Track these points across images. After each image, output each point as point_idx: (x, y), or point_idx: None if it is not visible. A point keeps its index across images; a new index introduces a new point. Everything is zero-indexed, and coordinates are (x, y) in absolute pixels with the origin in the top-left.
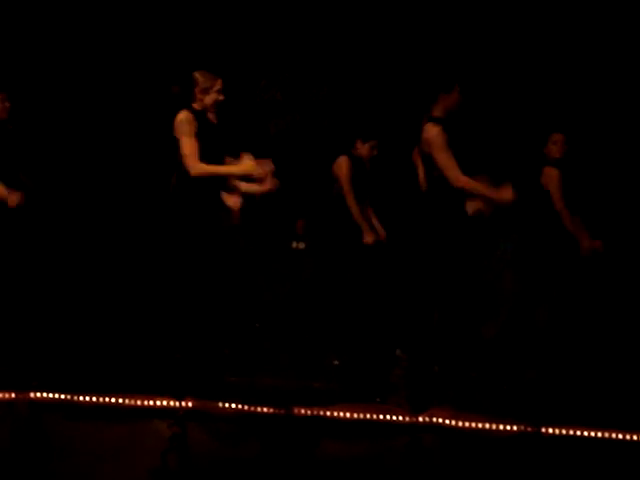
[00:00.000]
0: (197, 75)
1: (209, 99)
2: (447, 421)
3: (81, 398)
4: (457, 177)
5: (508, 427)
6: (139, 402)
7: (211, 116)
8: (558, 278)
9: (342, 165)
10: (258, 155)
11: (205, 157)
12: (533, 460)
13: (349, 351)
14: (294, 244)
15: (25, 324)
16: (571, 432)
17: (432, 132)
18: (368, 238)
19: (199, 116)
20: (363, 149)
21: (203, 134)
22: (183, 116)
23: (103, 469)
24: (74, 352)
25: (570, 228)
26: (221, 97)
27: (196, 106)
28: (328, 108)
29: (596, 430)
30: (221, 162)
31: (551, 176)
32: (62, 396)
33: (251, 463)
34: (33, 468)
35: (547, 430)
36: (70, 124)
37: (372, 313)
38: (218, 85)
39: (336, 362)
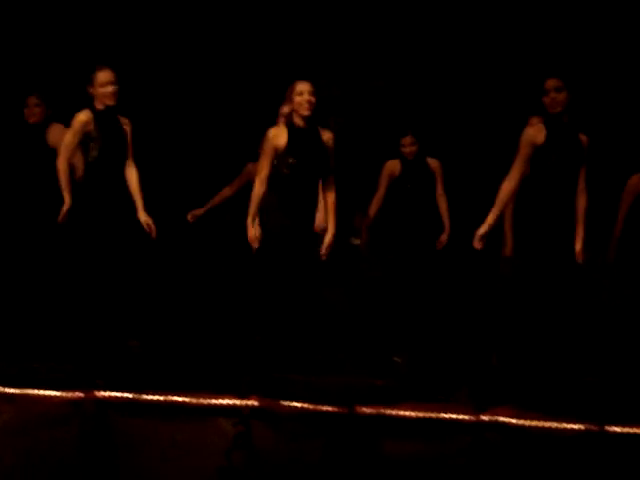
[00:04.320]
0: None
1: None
2: (511, 420)
3: (147, 397)
4: None
5: (572, 426)
6: (204, 401)
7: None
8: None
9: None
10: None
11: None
12: (598, 459)
13: (411, 348)
14: (353, 240)
15: (90, 324)
16: (637, 430)
17: None
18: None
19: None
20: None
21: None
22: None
23: (168, 467)
24: (140, 351)
25: None
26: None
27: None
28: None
29: None
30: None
31: None
32: (128, 395)
33: (315, 461)
34: (100, 466)
35: (612, 428)
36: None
37: (430, 310)
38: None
39: (398, 359)
